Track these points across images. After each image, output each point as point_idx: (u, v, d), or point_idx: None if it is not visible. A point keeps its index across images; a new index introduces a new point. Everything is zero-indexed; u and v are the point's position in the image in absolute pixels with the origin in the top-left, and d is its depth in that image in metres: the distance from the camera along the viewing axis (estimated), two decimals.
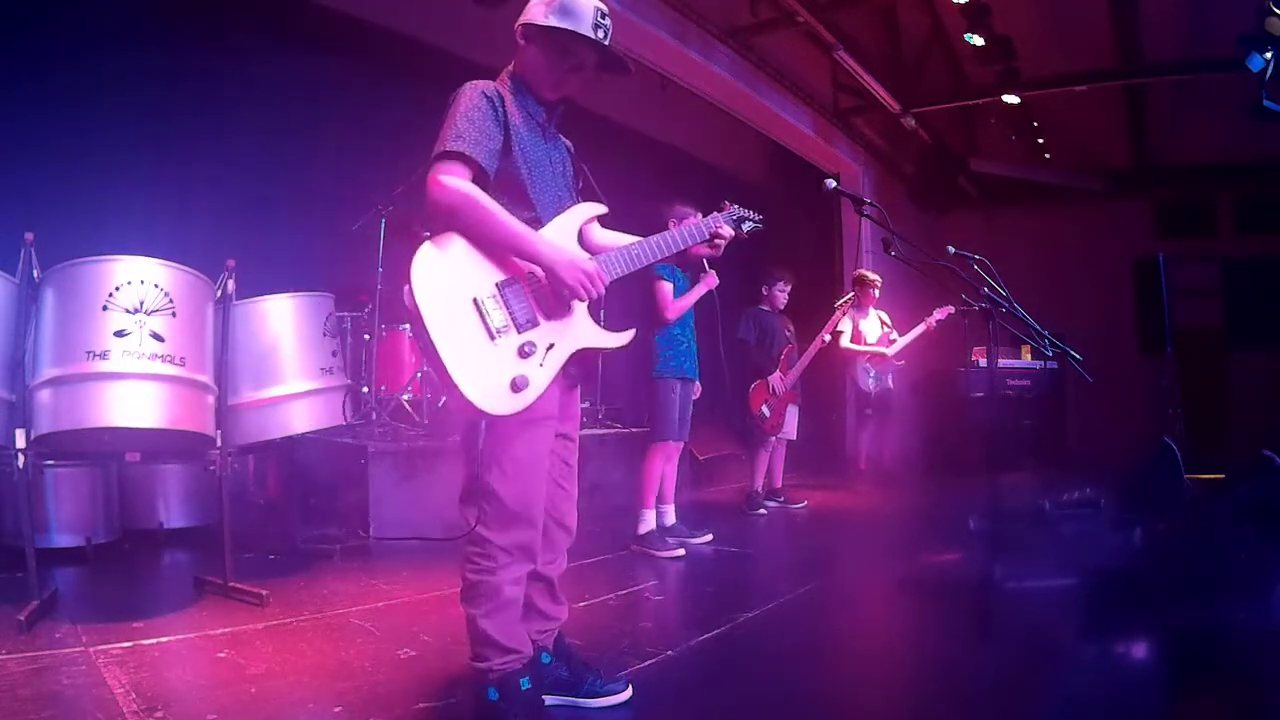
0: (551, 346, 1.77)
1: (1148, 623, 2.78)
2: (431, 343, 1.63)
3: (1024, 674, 2.28)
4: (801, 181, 7.74)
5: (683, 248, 1.98)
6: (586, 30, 1.79)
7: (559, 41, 1.80)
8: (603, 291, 1.80)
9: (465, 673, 1.95)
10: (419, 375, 4.78)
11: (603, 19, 1.82)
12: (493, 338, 1.69)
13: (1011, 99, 6.70)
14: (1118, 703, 2.10)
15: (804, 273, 5.80)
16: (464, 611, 1.80)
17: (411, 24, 5.44)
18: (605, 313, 3.38)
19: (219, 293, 2.92)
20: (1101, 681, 2.24)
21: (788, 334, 5.26)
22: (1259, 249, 8.09)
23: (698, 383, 4.14)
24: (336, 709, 1.92)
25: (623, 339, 1.91)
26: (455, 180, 1.68)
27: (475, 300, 1.70)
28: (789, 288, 5.24)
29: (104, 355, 2.55)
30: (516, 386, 1.69)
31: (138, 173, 4.08)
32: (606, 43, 1.83)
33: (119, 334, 2.57)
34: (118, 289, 2.59)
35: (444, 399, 4.81)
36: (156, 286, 2.65)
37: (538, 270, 1.76)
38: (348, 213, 4.87)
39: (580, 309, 1.84)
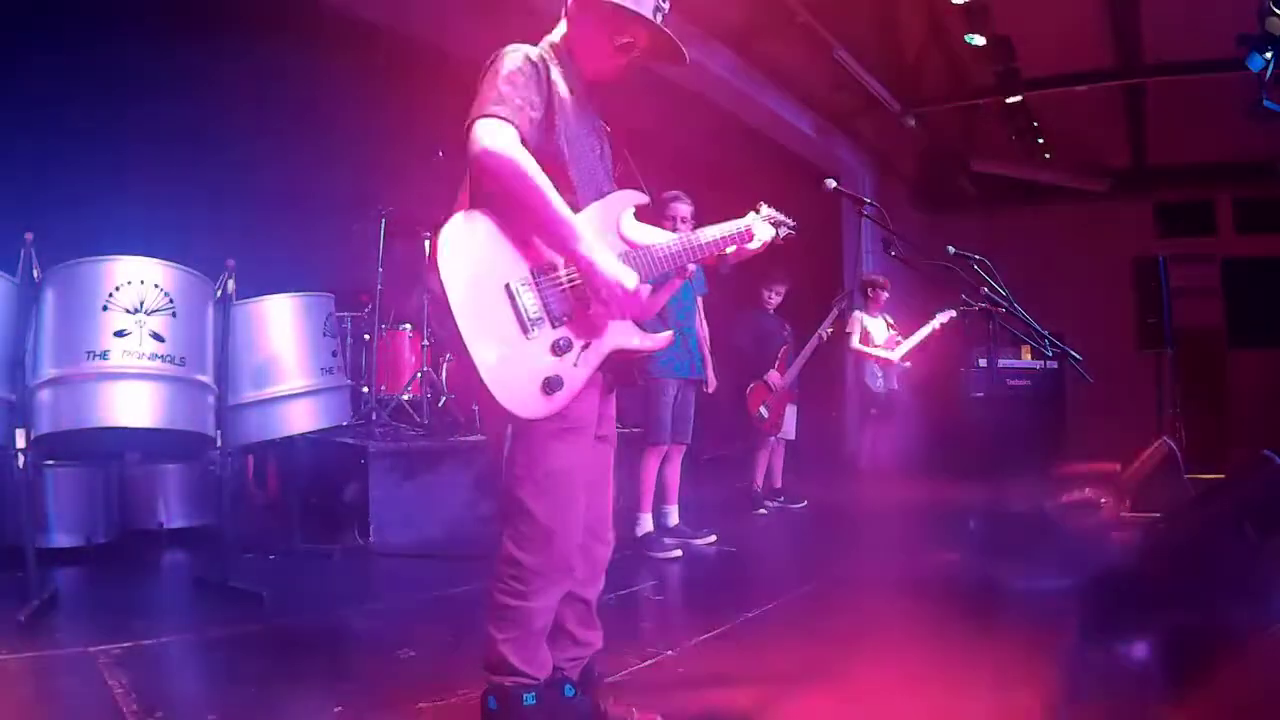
0: (588, 345, 1.61)
1: (1147, 623, 2.78)
2: (458, 333, 1.47)
3: (1024, 674, 2.28)
4: (801, 181, 7.75)
5: (718, 251, 1.83)
6: (646, 11, 1.69)
7: (615, 19, 1.69)
8: (631, 313, 1.66)
9: (465, 673, 1.94)
10: (419, 375, 4.78)
11: (663, 2, 1.72)
12: (526, 330, 1.54)
13: (1012, 99, 6.70)
14: (1117, 703, 2.10)
15: (804, 273, 5.79)
16: (486, 629, 1.66)
17: (412, 24, 5.43)
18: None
19: (219, 293, 2.93)
20: (1101, 681, 2.24)
21: (784, 334, 5.26)
22: (1259, 249, 8.08)
23: (705, 380, 4.11)
24: (336, 709, 1.92)
25: (661, 340, 1.77)
26: (506, 144, 1.51)
27: (508, 286, 1.54)
28: (784, 289, 5.24)
29: (104, 355, 2.55)
30: (550, 387, 1.54)
31: (138, 173, 4.08)
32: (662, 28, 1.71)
33: (119, 334, 2.57)
34: (118, 289, 2.59)
35: (444, 399, 4.82)
36: (156, 286, 2.65)
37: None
38: (348, 213, 4.87)
39: None
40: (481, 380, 1.48)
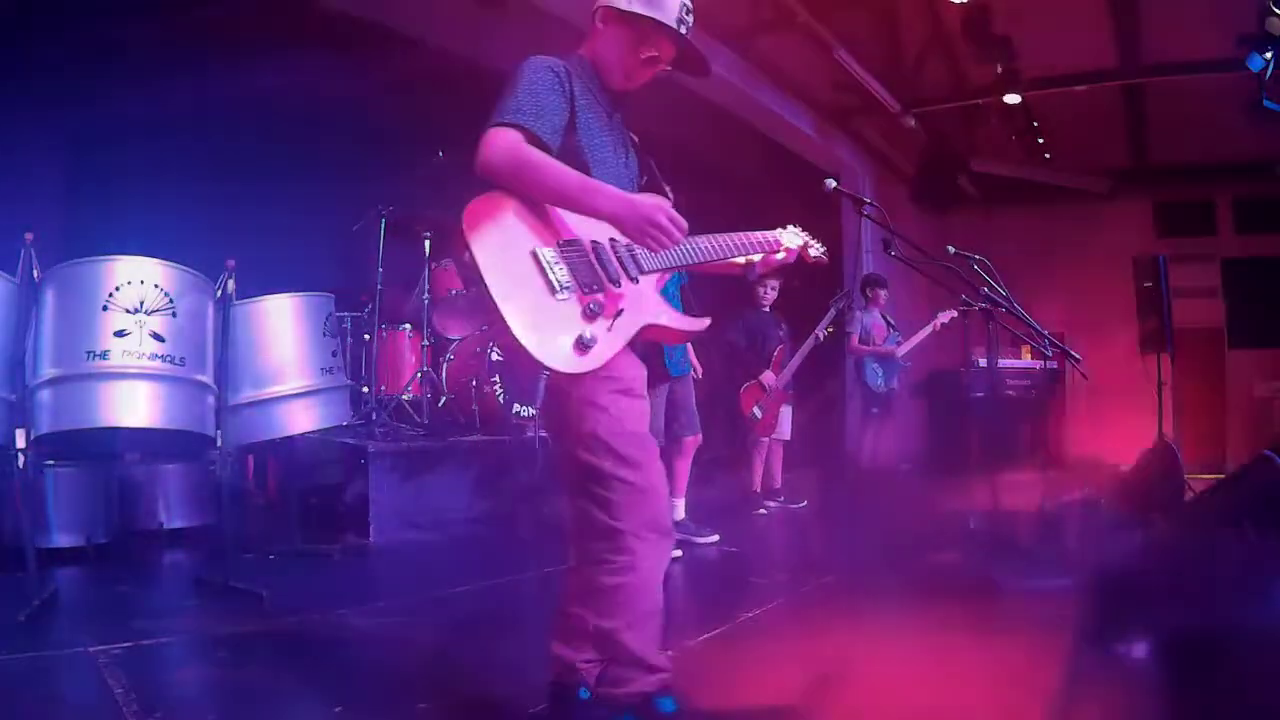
0: (619, 313, 1.62)
1: (1147, 623, 2.78)
2: (489, 294, 1.49)
3: (1023, 674, 2.28)
4: (801, 181, 7.75)
5: (747, 254, 1.85)
6: (670, 22, 1.69)
7: (639, 29, 1.70)
8: (678, 236, 1.63)
9: (465, 673, 1.94)
10: (419, 375, 4.78)
11: (687, 15, 1.72)
12: (554, 291, 1.55)
13: (1012, 99, 6.70)
14: (1117, 703, 2.10)
15: (803, 274, 5.79)
16: (594, 627, 1.56)
17: (413, 25, 5.43)
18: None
19: (219, 293, 2.92)
20: (1101, 682, 2.24)
21: (780, 334, 5.25)
22: (1259, 249, 8.09)
23: (692, 373, 4.10)
24: (337, 709, 1.92)
25: (698, 324, 1.77)
26: (506, 146, 1.56)
27: (534, 253, 1.57)
28: (778, 283, 5.22)
29: (104, 355, 2.55)
30: (583, 345, 1.54)
31: (138, 173, 4.08)
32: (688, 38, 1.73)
33: (119, 334, 2.57)
34: (118, 289, 2.59)
35: (444, 399, 4.82)
36: (156, 286, 2.65)
37: (600, 236, 1.65)
38: (348, 213, 4.86)
39: (649, 283, 1.71)
40: (514, 337, 1.48)
